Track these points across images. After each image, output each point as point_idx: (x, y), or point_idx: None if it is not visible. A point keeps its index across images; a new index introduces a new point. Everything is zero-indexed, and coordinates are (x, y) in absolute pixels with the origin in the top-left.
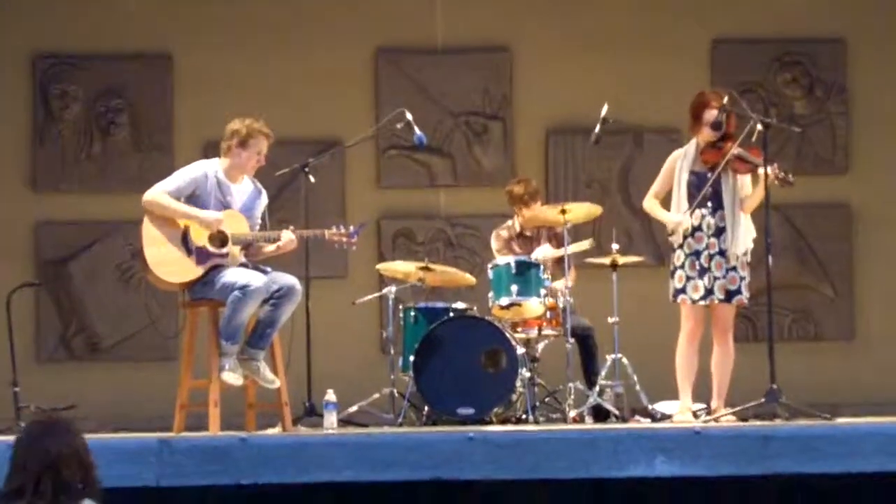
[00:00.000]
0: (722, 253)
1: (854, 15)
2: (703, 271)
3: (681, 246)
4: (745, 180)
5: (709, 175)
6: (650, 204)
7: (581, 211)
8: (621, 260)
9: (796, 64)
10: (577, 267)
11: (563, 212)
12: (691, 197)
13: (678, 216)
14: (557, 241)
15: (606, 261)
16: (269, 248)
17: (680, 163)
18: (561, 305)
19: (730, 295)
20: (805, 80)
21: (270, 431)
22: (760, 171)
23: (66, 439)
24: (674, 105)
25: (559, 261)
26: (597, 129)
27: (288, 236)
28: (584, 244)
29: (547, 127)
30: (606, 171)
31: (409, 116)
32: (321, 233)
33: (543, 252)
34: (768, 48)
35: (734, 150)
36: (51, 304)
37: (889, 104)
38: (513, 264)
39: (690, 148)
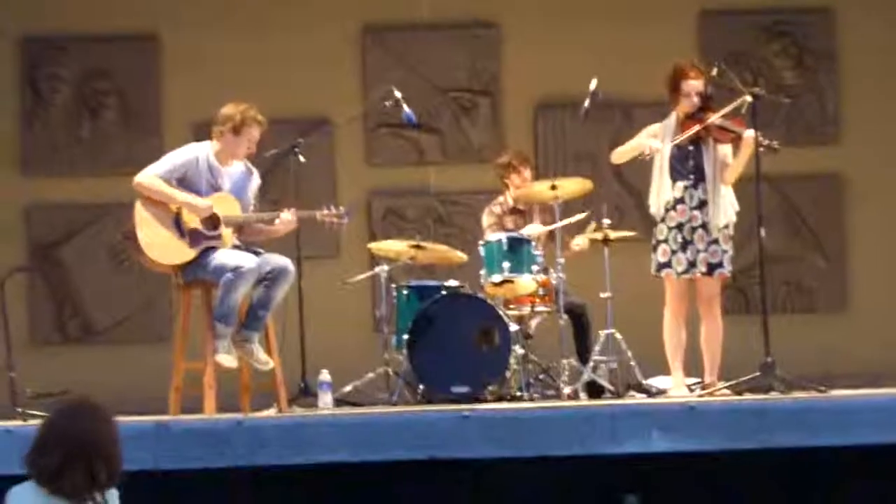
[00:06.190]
0: (704, 226)
1: None
2: (685, 244)
3: (663, 219)
4: (726, 151)
5: (690, 148)
6: (619, 147)
7: (572, 186)
8: (613, 235)
9: (785, 34)
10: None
11: (554, 187)
12: (673, 170)
13: (655, 141)
14: (550, 216)
15: (598, 236)
16: (270, 228)
17: (660, 136)
18: (553, 282)
19: (711, 268)
20: (794, 51)
21: (266, 413)
22: (746, 135)
23: (106, 427)
24: (663, 78)
25: (552, 236)
26: (586, 103)
27: (287, 217)
28: (580, 216)
29: (535, 102)
30: (596, 146)
31: (397, 94)
32: (313, 214)
33: (532, 229)
34: (757, 19)
35: (716, 120)
36: (44, 288)
37: (879, 73)
38: (504, 241)
39: (670, 121)
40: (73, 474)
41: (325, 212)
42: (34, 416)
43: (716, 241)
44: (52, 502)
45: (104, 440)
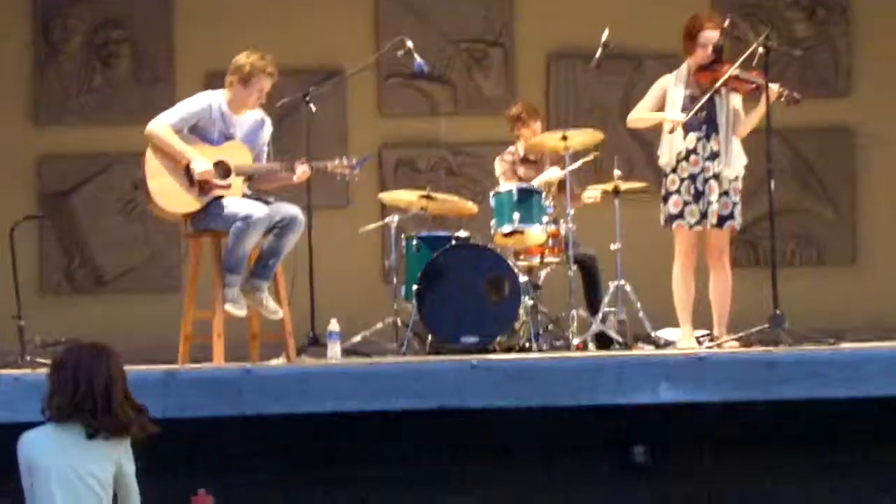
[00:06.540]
0: (716, 177)
1: None
2: (697, 196)
3: (674, 170)
4: (736, 103)
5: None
6: (636, 114)
7: (582, 137)
8: (623, 186)
9: None
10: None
11: (565, 138)
12: (686, 122)
13: (676, 113)
14: (561, 167)
15: (608, 187)
16: (282, 177)
17: (672, 86)
18: (563, 233)
19: (722, 220)
20: (806, 2)
21: (274, 362)
22: (770, 88)
23: (110, 362)
24: (674, 29)
25: (563, 187)
26: (598, 54)
27: (302, 169)
28: (588, 157)
29: (548, 53)
30: (607, 97)
31: (409, 44)
32: (324, 165)
33: (550, 174)
34: None
35: (733, 70)
36: (53, 236)
37: (891, 26)
38: (515, 192)
39: (682, 71)
40: (83, 407)
41: (337, 163)
42: (42, 365)
43: (726, 193)
44: (66, 442)
45: (108, 373)
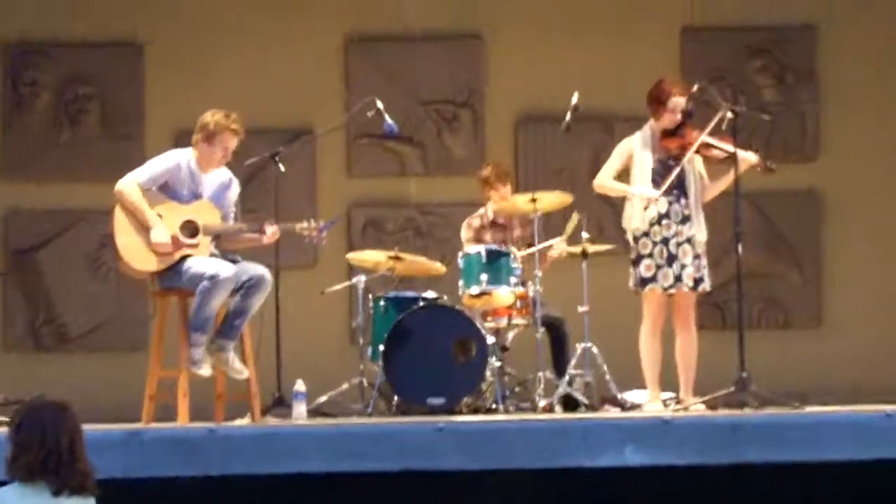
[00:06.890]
0: (689, 240)
1: (825, 1)
2: (671, 259)
3: (646, 234)
4: (701, 167)
5: (671, 162)
6: (604, 181)
7: (551, 199)
8: (591, 248)
9: (766, 51)
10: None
11: (534, 200)
12: (655, 184)
13: (651, 190)
14: (530, 229)
15: (577, 249)
16: (249, 237)
17: (639, 150)
18: (531, 294)
19: (696, 283)
20: (775, 68)
21: (239, 422)
22: (742, 155)
23: (67, 419)
24: (644, 93)
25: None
26: (567, 117)
27: (272, 230)
28: (558, 240)
29: (517, 115)
30: (576, 159)
31: (379, 105)
32: (292, 227)
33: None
34: (738, 36)
35: (704, 137)
36: (19, 293)
37: (859, 91)
38: (483, 253)
39: (647, 133)
40: (48, 465)
41: (304, 225)
42: (3, 423)
43: (698, 256)
44: (32, 502)
45: (72, 429)
